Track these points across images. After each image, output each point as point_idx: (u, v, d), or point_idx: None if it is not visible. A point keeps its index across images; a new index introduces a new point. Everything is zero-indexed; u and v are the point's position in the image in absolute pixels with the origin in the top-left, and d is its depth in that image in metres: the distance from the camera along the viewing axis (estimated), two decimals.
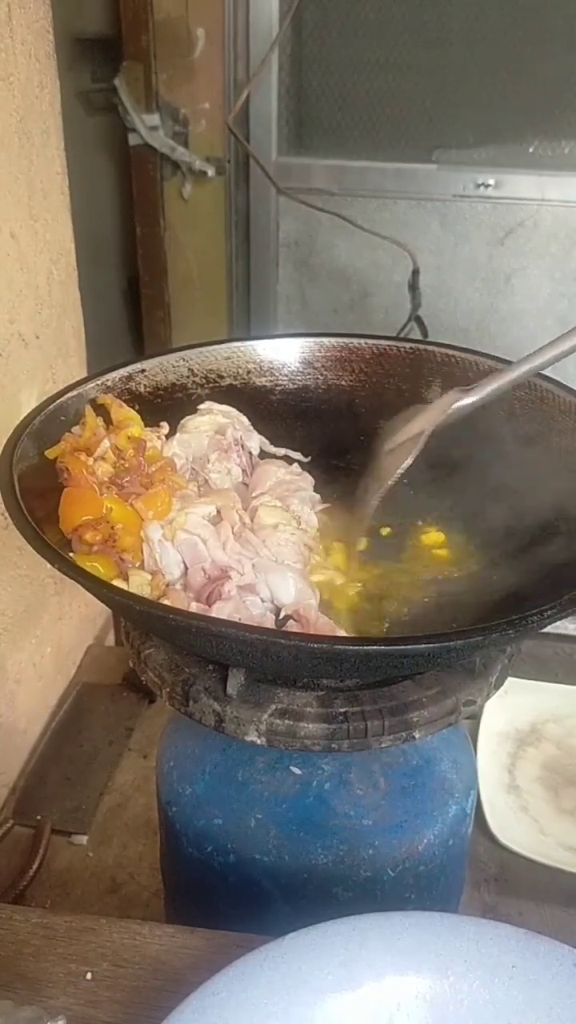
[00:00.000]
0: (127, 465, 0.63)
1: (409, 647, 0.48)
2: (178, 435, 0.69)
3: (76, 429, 0.65)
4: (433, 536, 0.67)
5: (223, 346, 0.74)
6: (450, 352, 0.72)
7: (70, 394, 0.66)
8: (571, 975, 0.46)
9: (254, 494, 0.67)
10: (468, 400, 0.61)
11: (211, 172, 1.64)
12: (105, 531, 0.58)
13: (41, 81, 1.01)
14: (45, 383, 1.07)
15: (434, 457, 0.71)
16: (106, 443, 0.63)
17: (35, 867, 0.94)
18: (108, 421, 0.66)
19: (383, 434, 0.66)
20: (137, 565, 0.58)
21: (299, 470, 0.70)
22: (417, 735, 0.55)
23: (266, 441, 0.72)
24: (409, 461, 0.62)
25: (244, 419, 0.72)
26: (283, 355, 0.75)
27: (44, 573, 1.11)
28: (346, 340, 0.75)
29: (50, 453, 0.62)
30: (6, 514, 0.53)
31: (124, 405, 0.67)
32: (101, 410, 0.67)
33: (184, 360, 0.73)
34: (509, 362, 0.70)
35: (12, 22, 0.93)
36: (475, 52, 1.53)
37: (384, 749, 0.56)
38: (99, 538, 0.58)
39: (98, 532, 0.58)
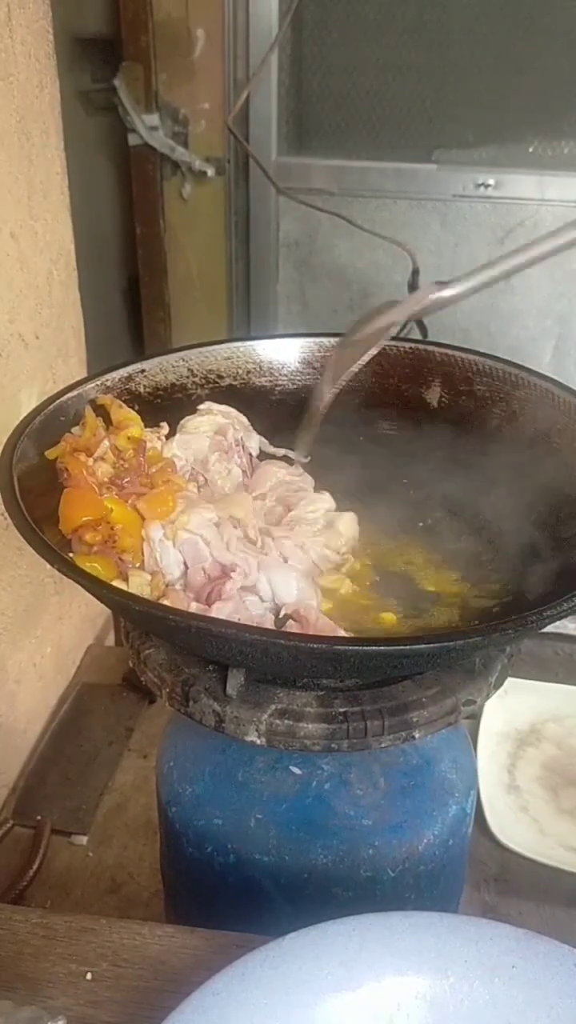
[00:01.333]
0: (127, 466, 0.63)
1: (409, 647, 0.48)
2: (178, 435, 0.69)
3: (76, 430, 0.65)
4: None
5: (223, 346, 0.74)
6: (450, 352, 0.72)
7: (70, 394, 0.66)
8: (571, 975, 0.46)
9: (254, 495, 0.67)
10: (447, 293, 0.58)
11: (211, 172, 1.64)
12: (105, 532, 0.58)
13: (41, 81, 1.01)
14: (45, 383, 1.07)
15: (434, 458, 0.72)
16: (106, 443, 0.63)
17: (35, 867, 0.94)
18: (108, 422, 0.66)
19: (354, 327, 0.64)
20: (137, 565, 0.58)
21: (300, 471, 0.70)
22: (417, 735, 0.55)
23: (265, 441, 0.72)
24: (369, 355, 0.59)
25: (244, 419, 0.72)
26: (283, 355, 0.75)
27: (44, 573, 1.11)
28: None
29: (50, 453, 0.62)
30: (6, 514, 0.53)
31: (124, 406, 0.67)
32: (101, 411, 0.67)
33: (184, 360, 0.73)
34: (509, 362, 0.70)
35: (12, 22, 0.93)
36: (475, 52, 1.53)
37: (384, 749, 0.56)
38: (99, 539, 0.58)
39: (98, 533, 0.58)
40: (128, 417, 0.66)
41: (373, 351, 0.59)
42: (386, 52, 1.54)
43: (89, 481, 0.60)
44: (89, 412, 0.65)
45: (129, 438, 0.64)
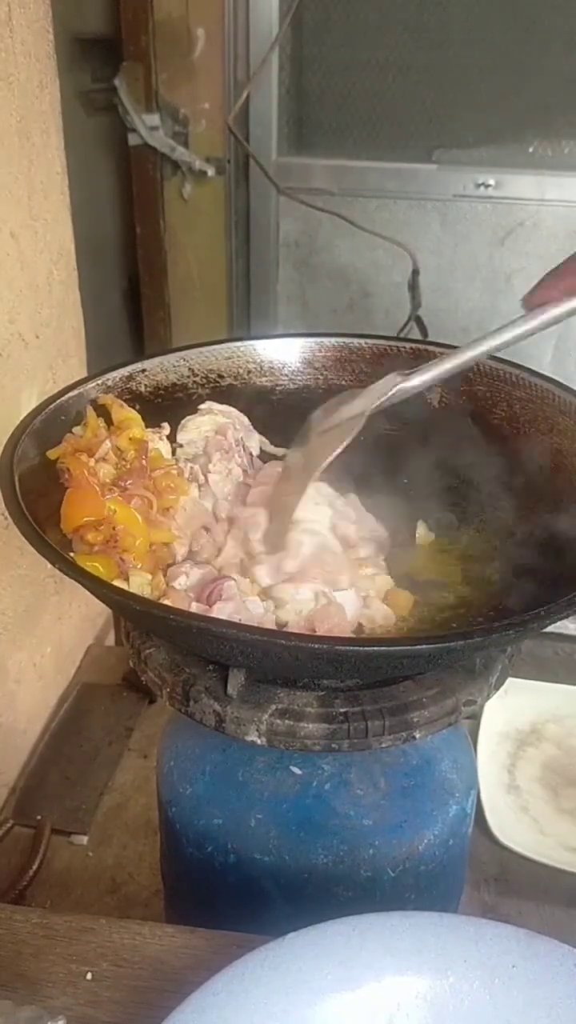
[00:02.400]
0: (129, 467, 0.63)
1: (409, 648, 0.48)
2: (179, 434, 0.68)
3: (77, 429, 0.65)
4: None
5: (223, 346, 0.74)
6: (449, 352, 0.72)
7: (70, 394, 0.66)
8: (571, 975, 0.46)
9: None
10: (410, 383, 0.58)
11: (211, 172, 1.64)
12: (107, 532, 0.58)
13: (41, 81, 1.01)
14: (45, 383, 1.06)
15: (434, 458, 0.72)
16: (108, 444, 0.63)
17: (35, 867, 0.94)
18: (109, 422, 0.66)
19: (316, 417, 0.64)
20: (139, 566, 0.58)
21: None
22: (417, 735, 0.55)
23: (266, 441, 0.72)
24: (344, 444, 0.59)
25: (244, 419, 0.72)
26: (283, 355, 0.75)
27: (44, 573, 1.11)
28: (346, 340, 0.75)
29: (52, 454, 0.62)
30: (6, 514, 0.53)
31: (125, 405, 0.67)
32: (102, 411, 0.67)
33: (184, 360, 0.73)
34: (509, 362, 0.70)
35: (12, 22, 0.93)
36: (475, 52, 1.53)
37: (384, 749, 0.56)
38: (100, 538, 0.58)
39: (100, 533, 0.58)
40: (129, 417, 0.66)
41: (344, 444, 0.59)
42: (386, 52, 1.54)
43: (91, 482, 0.60)
44: (91, 413, 0.65)
45: (131, 439, 0.64)
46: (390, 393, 0.59)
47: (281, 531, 0.61)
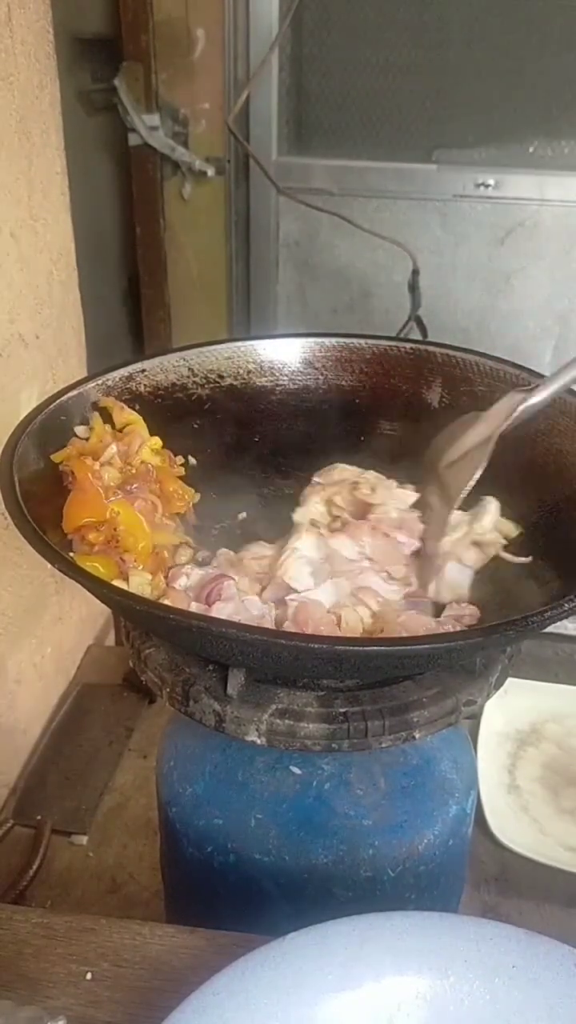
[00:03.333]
0: (135, 472, 0.63)
1: (409, 648, 0.48)
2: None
3: (81, 430, 0.65)
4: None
5: (223, 346, 0.74)
6: (450, 352, 0.72)
7: (70, 394, 0.66)
8: (571, 975, 0.46)
9: None
10: (535, 399, 0.57)
11: (211, 172, 1.64)
12: (108, 532, 0.58)
13: (41, 81, 1.01)
14: (45, 383, 1.07)
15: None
16: (113, 448, 0.63)
17: (35, 867, 0.94)
18: (110, 424, 0.66)
19: (436, 445, 0.63)
20: (140, 567, 0.58)
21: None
22: (417, 735, 0.55)
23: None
24: (479, 472, 0.58)
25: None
26: (284, 355, 0.75)
27: (44, 573, 1.11)
28: (346, 340, 0.75)
29: (56, 457, 0.62)
30: (6, 514, 0.53)
31: (126, 408, 0.67)
32: (103, 413, 0.67)
33: (184, 360, 0.73)
34: (508, 362, 0.70)
35: (12, 22, 0.93)
36: (475, 53, 1.53)
37: (384, 749, 0.56)
38: (101, 539, 0.58)
39: (100, 533, 0.58)
40: (131, 419, 0.66)
41: (479, 472, 0.58)
42: (386, 52, 1.54)
43: (95, 484, 0.60)
44: (97, 418, 0.65)
45: (154, 449, 0.65)
46: (517, 412, 0.58)
47: (427, 572, 0.60)
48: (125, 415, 0.66)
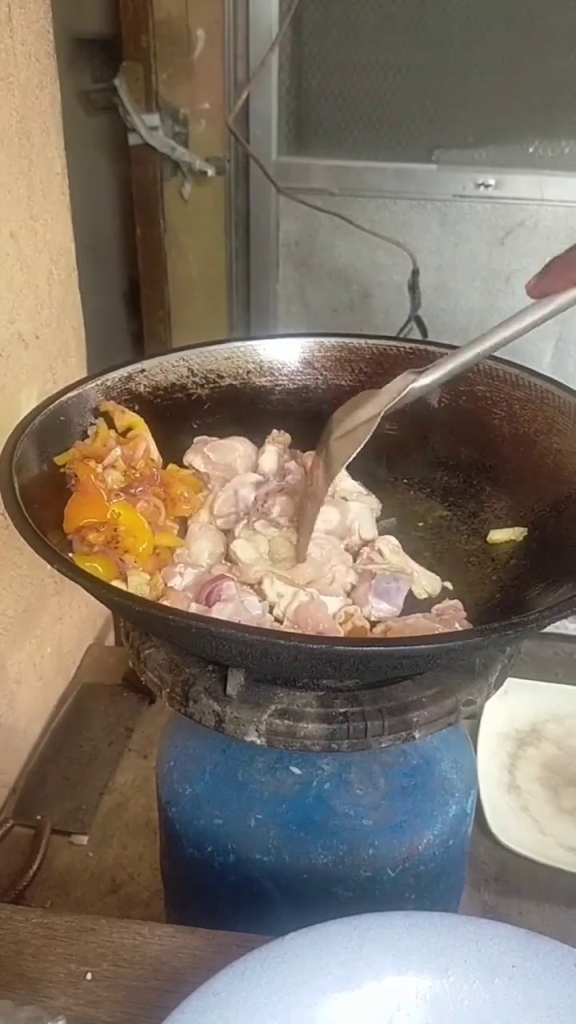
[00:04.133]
0: (139, 475, 0.63)
1: (409, 648, 0.48)
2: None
3: (90, 430, 0.65)
4: None
5: (223, 346, 0.74)
6: (449, 352, 0.72)
7: (70, 394, 0.66)
8: (571, 975, 0.46)
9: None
10: (422, 382, 0.59)
11: (211, 172, 1.64)
12: (108, 533, 0.58)
13: (41, 81, 1.01)
14: (45, 383, 1.07)
15: (434, 458, 0.72)
16: (117, 451, 0.63)
17: (35, 867, 0.94)
18: (112, 427, 0.67)
19: (333, 422, 0.64)
20: (140, 568, 0.59)
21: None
22: (417, 735, 0.55)
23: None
24: (358, 448, 0.59)
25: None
26: (283, 355, 0.75)
27: (44, 573, 1.11)
28: (346, 340, 0.75)
29: (59, 459, 0.62)
30: (6, 514, 0.53)
31: (127, 411, 0.67)
32: (105, 417, 0.67)
33: (184, 360, 0.73)
34: (508, 362, 0.70)
35: (12, 22, 0.93)
36: (475, 52, 1.53)
37: (384, 749, 0.56)
38: (101, 539, 0.58)
39: (101, 534, 0.58)
40: (132, 421, 0.66)
41: (359, 447, 0.59)
42: (386, 52, 1.54)
43: (97, 487, 0.60)
44: (101, 423, 0.66)
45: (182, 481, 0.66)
46: (404, 393, 0.59)
47: (304, 543, 0.61)
48: (126, 418, 0.67)
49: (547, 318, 0.56)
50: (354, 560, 0.63)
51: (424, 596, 0.62)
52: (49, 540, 0.52)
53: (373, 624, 0.58)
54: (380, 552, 0.63)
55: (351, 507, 0.66)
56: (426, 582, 0.62)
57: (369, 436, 0.59)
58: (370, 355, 0.74)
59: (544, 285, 0.55)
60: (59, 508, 0.60)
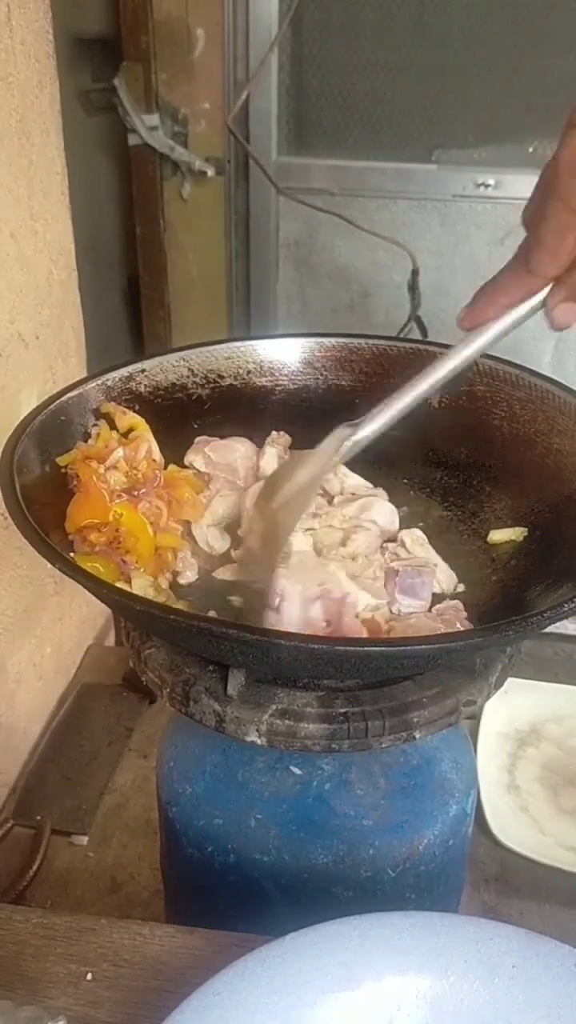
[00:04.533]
0: (141, 476, 0.63)
1: (409, 648, 0.48)
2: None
3: (92, 431, 0.65)
4: None
5: (223, 346, 0.74)
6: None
7: (70, 394, 0.66)
8: (572, 975, 0.46)
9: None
10: (360, 435, 0.55)
11: (211, 172, 1.64)
12: (110, 534, 0.58)
13: (41, 81, 1.01)
14: (45, 383, 1.07)
15: (434, 458, 0.72)
16: (119, 452, 0.63)
17: (35, 867, 0.94)
18: (114, 428, 0.67)
19: (270, 486, 0.61)
20: (141, 569, 0.59)
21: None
22: (417, 735, 0.55)
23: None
24: (307, 510, 0.58)
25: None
26: (283, 355, 0.75)
27: (44, 573, 1.11)
28: (346, 340, 0.75)
29: (62, 460, 0.62)
30: (6, 514, 0.53)
31: (128, 412, 0.67)
32: (107, 418, 0.67)
33: (184, 360, 0.73)
34: (508, 362, 0.70)
35: (12, 22, 0.93)
36: (475, 52, 1.53)
37: (384, 749, 0.56)
38: (103, 540, 0.58)
39: (102, 534, 0.58)
40: (134, 422, 0.66)
41: (307, 510, 0.58)
42: (386, 52, 1.54)
43: (99, 487, 0.60)
44: (104, 425, 0.66)
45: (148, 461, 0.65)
46: (343, 449, 0.55)
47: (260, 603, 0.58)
48: (128, 419, 0.67)
49: (485, 348, 0.54)
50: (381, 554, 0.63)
51: (438, 591, 0.62)
52: (49, 539, 0.52)
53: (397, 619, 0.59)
54: (403, 544, 0.63)
55: (376, 501, 0.66)
56: (444, 578, 0.62)
57: (312, 500, 0.59)
58: (370, 355, 0.74)
59: (476, 314, 0.53)
60: (60, 508, 0.60)
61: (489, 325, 0.53)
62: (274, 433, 0.72)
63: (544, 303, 0.52)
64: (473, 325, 0.53)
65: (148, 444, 0.66)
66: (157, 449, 0.67)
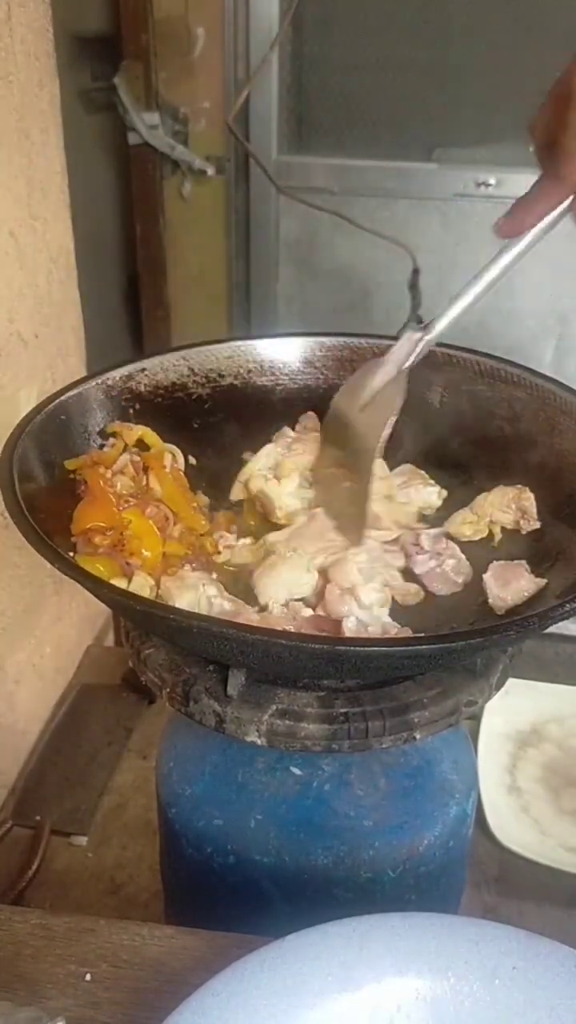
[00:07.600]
0: (147, 490, 0.64)
1: (410, 648, 0.48)
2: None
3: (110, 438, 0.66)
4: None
5: (224, 345, 0.74)
6: (450, 352, 0.72)
7: (70, 393, 0.66)
8: (572, 976, 0.46)
9: None
10: (433, 334, 0.59)
11: (211, 171, 1.64)
12: (114, 537, 0.58)
13: (41, 80, 1.01)
14: (45, 383, 1.06)
15: (434, 458, 0.71)
16: (125, 457, 0.63)
17: (34, 868, 0.94)
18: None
19: (342, 400, 0.62)
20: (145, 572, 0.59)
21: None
22: (418, 736, 0.55)
23: None
24: (397, 409, 0.58)
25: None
26: (284, 354, 0.75)
27: (43, 573, 1.10)
28: (347, 340, 0.75)
29: (70, 464, 0.62)
30: (6, 514, 0.53)
31: (134, 427, 0.67)
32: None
33: (184, 359, 0.72)
34: (509, 361, 0.70)
35: (12, 21, 0.92)
36: (475, 52, 1.52)
37: (385, 750, 0.56)
38: (107, 542, 0.58)
39: (107, 537, 0.58)
40: (142, 433, 0.67)
41: (397, 409, 0.58)
42: (386, 51, 1.54)
43: (106, 492, 0.60)
44: (119, 441, 0.66)
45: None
46: (418, 349, 0.58)
47: (360, 524, 0.59)
48: (134, 434, 0.67)
49: (523, 255, 0.57)
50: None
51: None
52: (49, 539, 0.52)
53: None
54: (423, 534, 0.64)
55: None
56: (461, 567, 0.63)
57: (403, 395, 0.58)
58: (370, 355, 0.74)
59: (514, 223, 0.56)
60: (60, 508, 0.60)
61: (525, 235, 0.56)
62: (286, 429, 0.72)
63: (570, 207, 0.54)
64: (513, 233, 0.56)
65: (172, 454, 0.67)
66: (181, 457, 0.68)
